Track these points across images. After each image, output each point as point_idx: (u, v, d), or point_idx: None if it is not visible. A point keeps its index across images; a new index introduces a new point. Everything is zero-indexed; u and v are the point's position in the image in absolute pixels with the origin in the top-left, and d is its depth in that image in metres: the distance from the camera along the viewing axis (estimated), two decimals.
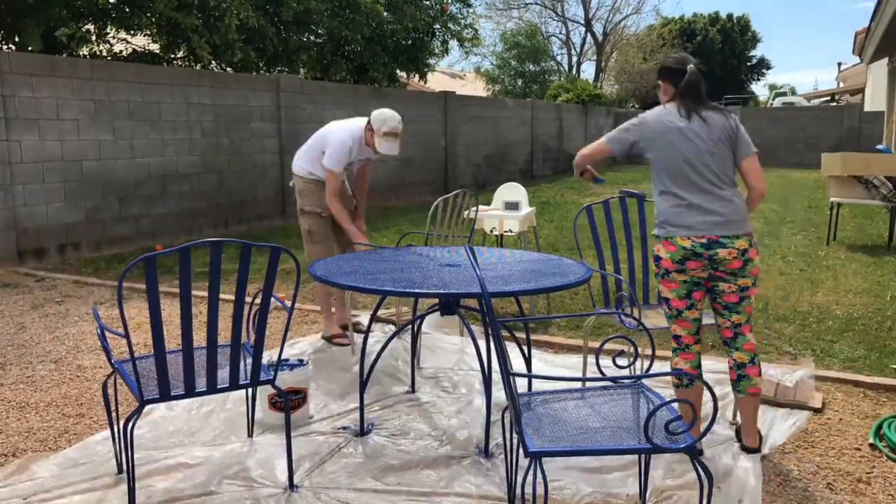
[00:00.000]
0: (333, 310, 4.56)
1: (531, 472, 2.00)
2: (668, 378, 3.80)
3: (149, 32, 10.41)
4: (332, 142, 4.28)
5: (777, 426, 3.22)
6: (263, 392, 3.25)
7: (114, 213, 8.12)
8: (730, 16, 36.87)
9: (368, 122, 4.23)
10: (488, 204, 5.93)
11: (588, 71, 34.89)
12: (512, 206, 5.56)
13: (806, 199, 12.72)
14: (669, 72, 2.96)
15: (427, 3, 14.27)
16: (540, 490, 2.46)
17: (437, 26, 14.67)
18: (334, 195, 4.25)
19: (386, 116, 4.18)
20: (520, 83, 27.78)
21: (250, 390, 3.14)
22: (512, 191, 5.79)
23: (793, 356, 4.20)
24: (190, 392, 2.50)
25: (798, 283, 6.07)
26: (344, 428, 3.23)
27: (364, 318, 4.90)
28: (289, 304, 2.72)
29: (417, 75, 15.15)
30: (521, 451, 2.10)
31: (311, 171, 4.41)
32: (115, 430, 2.89)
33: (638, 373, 3.50)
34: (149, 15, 9.96)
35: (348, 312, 4.45)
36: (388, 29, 13.29)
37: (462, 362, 4.14)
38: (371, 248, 4.07)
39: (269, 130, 10.15)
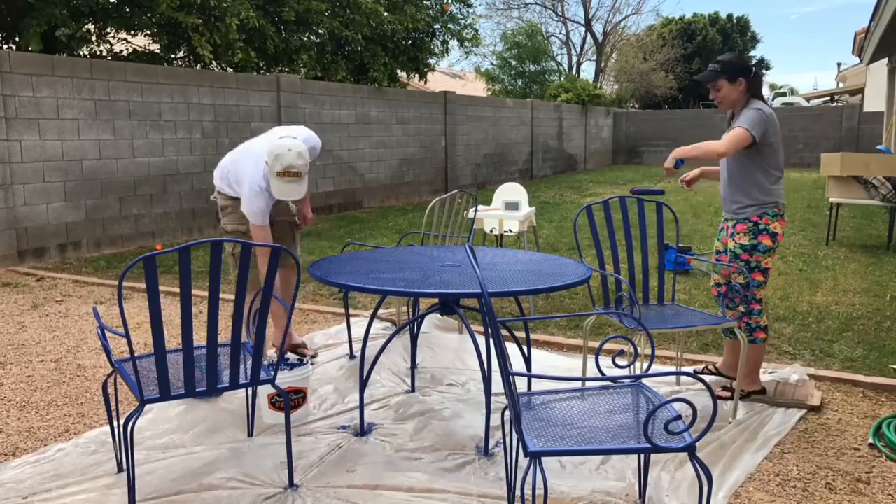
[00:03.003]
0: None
1: (531, 471, 2.01)
2: (668, 378, 3.81)
3: (149, 32, 10.41)
4: (243, 184, 3.50)
5: (776, 425, 3.23)
6: (263, 392, 3.25)
7: (114, 212, 8.13)
8: (729, 16, 36.88)
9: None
10: (488, 204, 5.93)
11: (588, 71, 34.96)
12: (512, 206, 5.57)
13: (805, 199, 12.73)
14: (747, 71, 3.41)
15: (427, 3, 14.26)
16: (539, 489, 2.46)
17: (438, 26, 14.66)
18: (262, 253, 3.43)
19: (279, 151, 3.29)
20: (520, 83, 27.78)
21: (250, 390, 3.15)
22: (512, 191, 5.80)
23: (792, 356, 4.20)
24: (190, 392, 2.50)
25: (797, 283, 6.08)
26: (344, 427, 3.23)
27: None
28: (289, 303, 2.73)
29: (417, 75, 15.15)
30: (520, 450, 2.11)
31: (233, 191, 3.70)
32: (115, 429, 2.90)
33: (637, 372, 3.51)
34: (149, 15, 9.96)
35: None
36: (388, 29, 13.29)
37: (462, 362, 4.14)
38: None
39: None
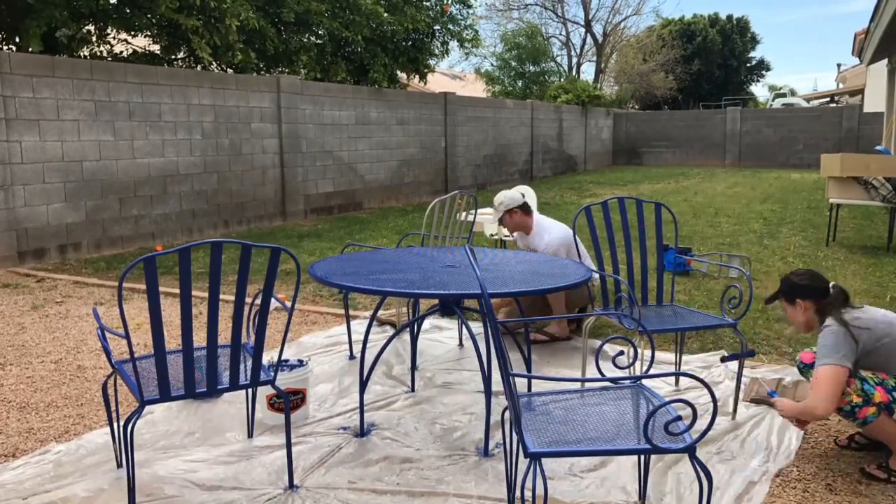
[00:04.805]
0: None
1: (531, 472, 2.01)
2: (667, 378, 3.81)
3: (149, 33, 10.42)
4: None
5: (775, 426, 3.23)
6: (263, 392, 3.25)
7: (114, 213, 8.13)
8: (729, 17, 36.91)
9: None
10: (487, 205, 5.92)
11: (588, 72, 34.94)
12: None
13: (805, 200, 12.73)
14: (810, 292, 2.95)
15: (427, 3, 14.28)
16: (539, 490, 2.46)
17: (438, 27, 14.68)
18: None
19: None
20: (520, 84, 27.78)
21: (250, 390, 3.15)
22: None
23: (792, 356, 4.20)
24: (190, 392, 2.50)
25: None
26: (344, 428, 3.23)
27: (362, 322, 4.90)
28: (289, 304, 2.73)
29: (417, 76, 15.16)
30: (520, 451, 2.11)
31: None
32: (115, 430, 2.90)
33: (637, 373, 3.51)
34: (149, 16, 9.97)
35: None
36: (388, 30, 13.30)
37: (462, 362, 4.14)
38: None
39: (269, 131, 10.16)
